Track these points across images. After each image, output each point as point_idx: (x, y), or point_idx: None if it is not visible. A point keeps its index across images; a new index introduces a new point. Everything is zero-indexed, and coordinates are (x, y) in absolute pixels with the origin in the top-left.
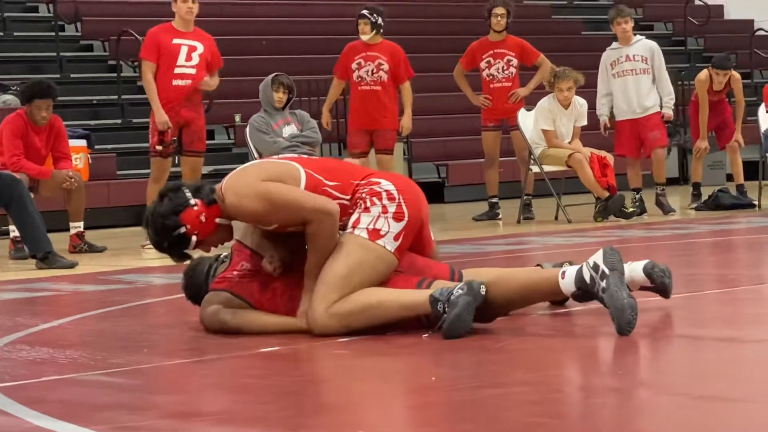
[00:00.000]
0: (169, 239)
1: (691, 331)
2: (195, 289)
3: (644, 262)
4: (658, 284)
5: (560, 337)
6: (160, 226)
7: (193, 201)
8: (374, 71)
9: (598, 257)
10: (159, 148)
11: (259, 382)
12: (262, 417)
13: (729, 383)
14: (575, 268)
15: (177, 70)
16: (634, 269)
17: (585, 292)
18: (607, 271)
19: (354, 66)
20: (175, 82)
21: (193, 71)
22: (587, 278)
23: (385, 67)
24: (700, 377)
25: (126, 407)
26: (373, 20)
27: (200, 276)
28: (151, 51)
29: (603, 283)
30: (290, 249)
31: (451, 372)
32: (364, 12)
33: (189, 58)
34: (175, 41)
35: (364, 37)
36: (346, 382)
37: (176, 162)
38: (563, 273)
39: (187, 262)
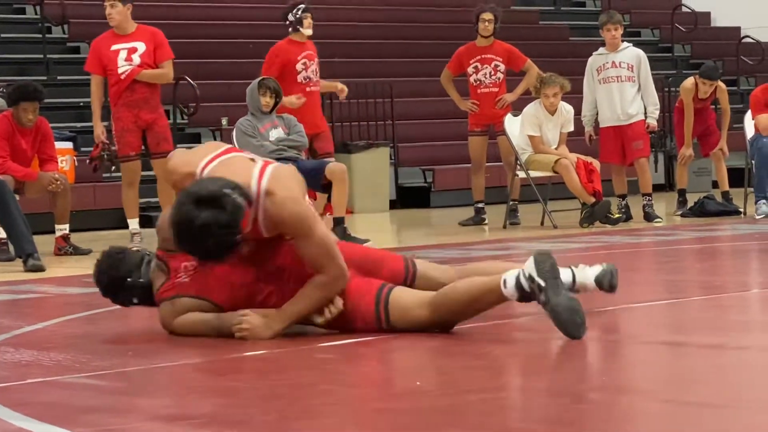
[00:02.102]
0: (228, 249)
1: (676, 337)
2: (117, 284)
3: (596, 271)
4: (607, 290)
5: (545, 342)
6: (225, 237)
7: (245, 204)
8: (316, 70)
9: (531, 267)
10: (89, 162)
11: (244, 386)
12: (246, 420)
13: (714, 390)
14: (514, 275)
15: (121, 73)
16: (586, 277)
17: (528, 298)
18: (543, 283)
19: (300, 67)
20: (123, 85)
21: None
22: (526, 288)
23: (317, 64)
24: (686, 383)
25: (110, 410)
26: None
27: (125, 271)
28: (93, 63)
29: (542, 297)
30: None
31: (436, 377)
32: (308, 6)
33: (129, 59)
34: (114, 47)
35: (309, 32)
36: (330, 387)
37: (111, 170)
38: (504, 281)
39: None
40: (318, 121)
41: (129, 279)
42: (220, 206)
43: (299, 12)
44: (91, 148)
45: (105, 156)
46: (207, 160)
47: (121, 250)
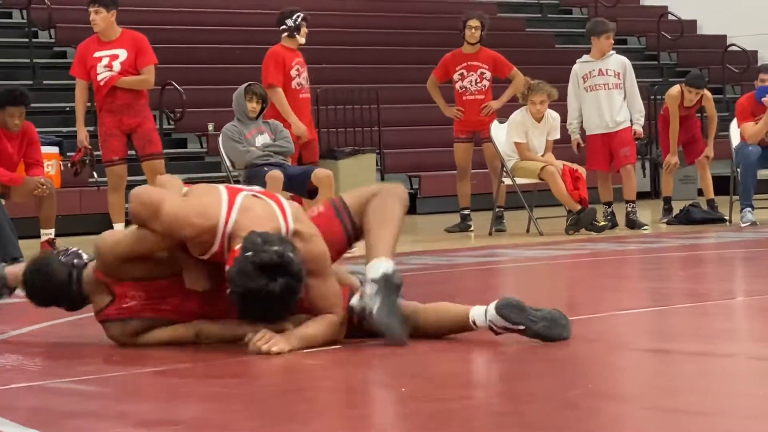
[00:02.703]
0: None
1: (661, 345)
2: (54, 292)
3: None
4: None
5: (531, 349)
6: (295, 299)
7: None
8: (308, 78)
9: (493, 315)
10: (70, 166)
11: (229, 391)
12: (231, 426)
13: (700, 397)
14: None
15: (101, 80)
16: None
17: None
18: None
19: (294, 72)
20: (104, 91)
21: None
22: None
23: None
24: (671, 391)
25: (95, 415)
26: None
27: (59, 278)
28: (77, 68)
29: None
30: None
31: (421, 383)
32: (305, 14)
33: (110, 66)
34: (96, 54)
35: (303, 40)
36: (316, 392)
37: (93, 175)
38: (473, 321)
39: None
40: (309, 129)
41: (61, 292)
42: (290, 273)
43: (298, 19)
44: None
45: (86, 161)
46: (225, 211)
47: (46, 263)
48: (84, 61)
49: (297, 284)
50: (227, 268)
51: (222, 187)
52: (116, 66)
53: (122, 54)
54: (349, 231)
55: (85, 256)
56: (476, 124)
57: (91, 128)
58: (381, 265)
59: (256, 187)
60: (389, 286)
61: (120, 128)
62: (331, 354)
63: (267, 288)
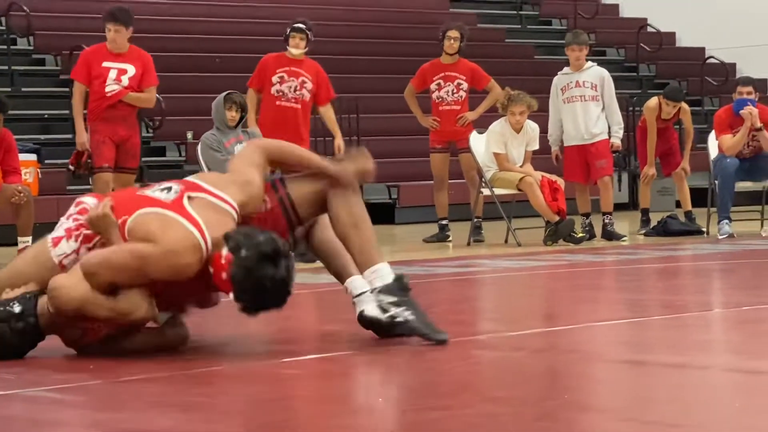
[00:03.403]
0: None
1: (638, 356)
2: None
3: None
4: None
5: (508, 360)
6: (292, 284)
7: None
8: (297, 88)
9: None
10: (71, 168)
11: (207, 401)
12: None
13: (676, 409)
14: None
15: (108, 92)
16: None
17: None
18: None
19: (275, 79)
20: (106, 104)
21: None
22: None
23: (309, 86)
24: (648, 402)
25: (72, 424)
26: (310, 37)
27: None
28: (81, 72)
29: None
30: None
31: (398, 393)
32: (301, 26)
33: (119, 80)
34: (105, 64)
35: (296, 51)
36: (293, 402)
37: (89, 181)
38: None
39: None
40: (287, 137)
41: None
42: (284, 253)
43: (288, 30)
44: (56, 161)
45: (89, 163)
46: (200, 232)
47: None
48: (89, 68)
49: (291, 259)
50: (222, 275)
51: (170, 213)
52: (125, 81)
53: (131, 70)
54: (293, 227)
55: (17, 309)
56: (452, 135)
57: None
58: (384, 270)
59: (164, 184)
60: (404, 288)
61: (112, 138)
62: (308, 364)
63: (277, 275)
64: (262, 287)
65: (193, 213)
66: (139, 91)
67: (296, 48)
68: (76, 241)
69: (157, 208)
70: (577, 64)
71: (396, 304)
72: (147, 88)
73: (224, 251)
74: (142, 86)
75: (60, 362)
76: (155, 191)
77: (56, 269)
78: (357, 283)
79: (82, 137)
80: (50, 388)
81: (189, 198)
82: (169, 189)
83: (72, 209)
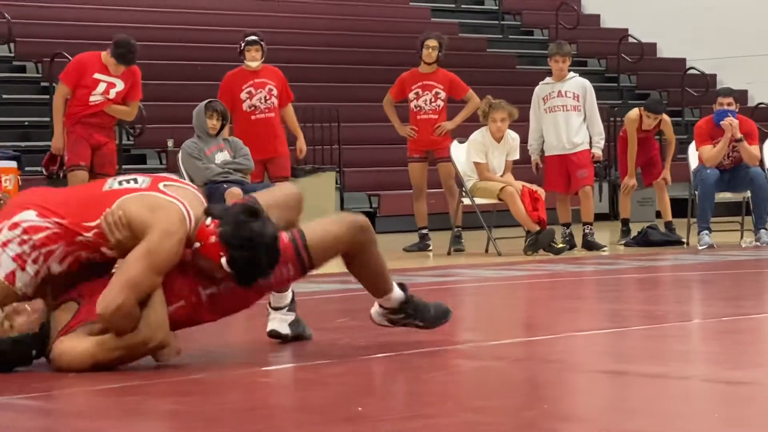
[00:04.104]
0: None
1: (618, 366)
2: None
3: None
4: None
5: (488, 369)
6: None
7: None
8: (266, 98)
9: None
10: (43, 171)
11: (184, 409)
12: None
13: (655, 419)
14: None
15: (92, 100)
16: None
17: None
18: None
19: (243, 96)
20: (87, 111)
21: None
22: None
23: (275, 92)
24: (626, 412)
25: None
26: (264, 48)
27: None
28: (71, 77)
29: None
30: None
31: (378, 402)
32: (255, 38)
33: (106, 93)
34: (96, 76)
35: (254, 64)
36: (271, 411)
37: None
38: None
39: None
40: (268, 147)
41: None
42: (269, 218)
43: (242, 45)
44: (37, 168)
45: (62, 167)
46: (183, 206)
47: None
48: (80, 75)
49: (273, 224)
50: (210, 239)
51: (150, 193)
52: (112, 94)
53: (120, 84)
54: (306, 274)
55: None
56: (430, 144)
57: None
58: (397, 293)
59: (120, 177)
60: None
61: (89, 141)
62: (286, 372)
63: (265, 230)
64: (253, 241)
65: (171, 193)
66: (122, 104)
67: (254, 60)
68: (34, 263)
69: (136, 193)
70: (560, 74)
71: (414, 315)
72: (131, 102)
73: (208, 221)
74: (126, 100)
75: (37, 370)
76: (120, 184)
77: (27, 297)
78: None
79: (59, 142)
80: (27, 395)
81: (165, 185)
82: (135, 180)
83: (9, 232)
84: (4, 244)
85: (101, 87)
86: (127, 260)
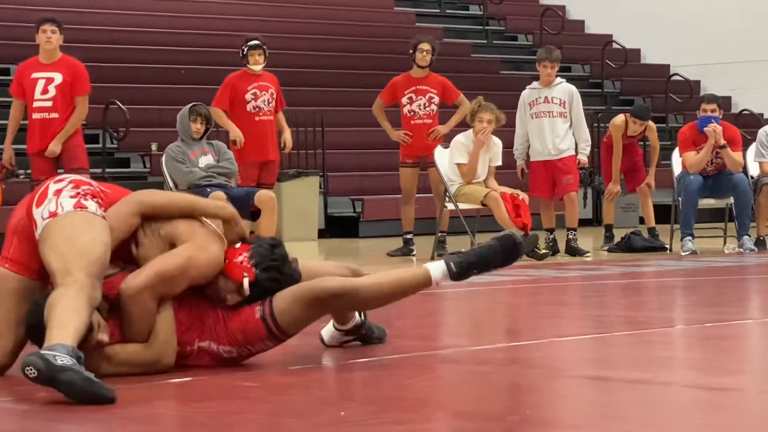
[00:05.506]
0: None
1: (601, 372)
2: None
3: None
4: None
5: (471, 374)
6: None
7: None
8: (269, 101)
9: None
10: None
11: (166, 413)
12: None
13: (638, 425)
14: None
15: (35, 104)
16: None
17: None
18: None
19: (249, 96)
20: (35, 116)
21: (49, 104)
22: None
23: (275, 95)
24: (609, 419)
25: None
26: (266, 52)
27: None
28: (15, 88)
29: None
30: None
31: (360, 407)
32: (258, 42)
33: (45, 91)
34: (34, 75)
35: (257, 68)
36: (254, 416)
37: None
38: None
39: None
40: (266, 150)
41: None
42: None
43: (245, 49)
44: (20, 171)
45: (9, 177)
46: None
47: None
48: (21, 81)
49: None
50: (238, 259)
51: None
52: (51, 90)
53: (58, 78)
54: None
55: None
56: (423, 149)
57: (23, 146)
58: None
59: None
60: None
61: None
62: (268, 377)
63: (292, 263)
64: (281, 269)
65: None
66: (70, 99)
67: (257, 64)
68: (93, 197)
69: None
70: (547, 80)
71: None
72: (77, 98)
73: (237, 243)
74: (73, 96)
75: (19, 374)
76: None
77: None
78: None
79: (7, 153)
80: (11, 398)
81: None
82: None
83: (55, 185)
84: (58, 192)
85: (40, 84)
86: (166, 254)
